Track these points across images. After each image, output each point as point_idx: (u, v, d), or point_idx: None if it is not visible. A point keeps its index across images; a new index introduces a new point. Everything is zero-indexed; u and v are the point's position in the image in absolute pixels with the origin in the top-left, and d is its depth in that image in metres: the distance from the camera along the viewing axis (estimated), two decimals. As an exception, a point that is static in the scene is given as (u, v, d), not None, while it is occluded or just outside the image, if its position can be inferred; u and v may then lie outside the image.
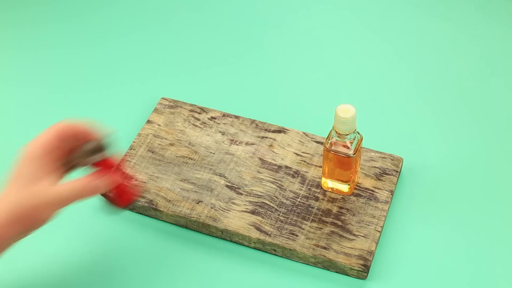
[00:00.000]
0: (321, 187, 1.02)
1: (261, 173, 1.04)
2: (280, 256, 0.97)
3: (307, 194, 1.01)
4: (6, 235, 0.80)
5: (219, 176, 1.04)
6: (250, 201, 1.01)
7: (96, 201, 1.03)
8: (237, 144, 1.07)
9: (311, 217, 0.99)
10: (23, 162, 0.82)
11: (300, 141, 1.08)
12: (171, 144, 1.09)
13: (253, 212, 0.99)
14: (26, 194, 0.80)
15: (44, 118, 1.17)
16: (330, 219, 0.98)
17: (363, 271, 0.93)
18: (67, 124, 0.86)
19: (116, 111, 1.18)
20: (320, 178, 1.03)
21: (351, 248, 0.95)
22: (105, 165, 0.88)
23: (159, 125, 1.12)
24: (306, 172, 1.04)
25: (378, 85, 1.20)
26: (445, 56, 1.25)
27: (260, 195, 1.01)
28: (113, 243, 0.99)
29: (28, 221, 0.81)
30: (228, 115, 1.12)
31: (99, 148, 0.87)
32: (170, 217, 1.00)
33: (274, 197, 1.01)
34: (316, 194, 1.01)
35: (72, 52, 1.28)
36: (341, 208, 1.00)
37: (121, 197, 0.90)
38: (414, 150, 1.09)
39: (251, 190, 1.02)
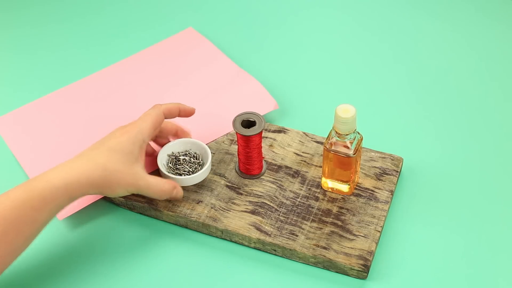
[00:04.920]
0: (321, 187, 1.02)
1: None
2: (280, 256, 0.97)
3: (307, 194, 1.01)
4: (86, 194, 0.91)
5: (219, 176, 1.04)
6: (250, 201, 1.01)
7: (96, 201, 1.03)
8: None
9: (311, 217, 0.99)
10: (125, 139, 0.94)
11: (300, 141, 1.08)
12: (171, 144, 1.09)
13: (253, 212, 0.99)
14: (127, 172, 0.93)
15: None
16: (330, 219, 0.98)
17: (363, 271, 0.93)
18: (160, 115, 0.99)
19: (116, 111, 1.18)
20: (320, 178, 1.03)
21: (351, 248, 0.95)
22: None
23: (159, 125, 1.12)
24: (306, 172, 1.04)
25: (378, 85, 1.20)
26: (445, 57, 1.25)
27: (260, 195, 1.01)
28: (113, 243, 0.99)
29: (108, 189, 0.92)
30: (228, 115, 1.12)
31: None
32: (170, 217, 1.00)
33: (274, 197, 1.01)
34: (316, 194, 1.01)
35: (72, 52, 1.28)
36: (341, 208, 1.00)
37: None
38: (414, 150, 1.09)
39: (251, 190, 1.02)
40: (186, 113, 1.02)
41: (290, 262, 0.97)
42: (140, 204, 1.01)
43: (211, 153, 1.06)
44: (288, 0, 1.38)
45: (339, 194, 1.01)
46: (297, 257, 0.96)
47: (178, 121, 1.11)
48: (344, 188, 1.00)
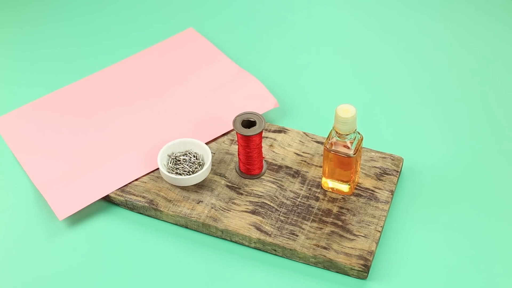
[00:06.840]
0: (322, 187, 1.02)
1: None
2: (280, 256, 0.97)
3: (308, 194, 1.01)
4: None
5: (220, 176, 1.04)
6: (250, 201, 1.01)
7: (96, 201, 1.03)
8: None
9: (312, 217, 0.99)
10: None
11: (300, 141, 1.08)
12: (171, 144, 1.09)
13: (253, 212, 0.99)
14: None
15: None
16: (331, 219, 0.98)
17: (364, 271, 0.93)
18: None
19: (116, 111, 1.18)
20: (321, 178, 1.03)
21: (352, 248, 0.95)
22: None
23: (159, 125, 1.12)
24: (307, 172, 1.04)
25: (378, 86, 1.20)
26: (445, 57, 1.25)
27: (261, 195, 1.01)
28: (113, 243, 0.99)
29: None
30: (228, 115, 1.12)
31: None
32: (170, 217, 1.00)
33: (275, 197, 1.01)
34: (317, 194, 1.01)
35: (72, 52, 1.28)
36: (341, 208, 1.00)
37: None
38: (414, 150, 1.09)
39: (252, 190, 1.02)
40: None
41: (290, 262, 0.97)
42: (140, 204, 1.01)
43: (211, 153, 1.06)
44: None
45: (339, 194, 1.01)
46: (297, 257, 0.96)
47: (178, 121, 1.12)
48: (344, 188, 1.00)
